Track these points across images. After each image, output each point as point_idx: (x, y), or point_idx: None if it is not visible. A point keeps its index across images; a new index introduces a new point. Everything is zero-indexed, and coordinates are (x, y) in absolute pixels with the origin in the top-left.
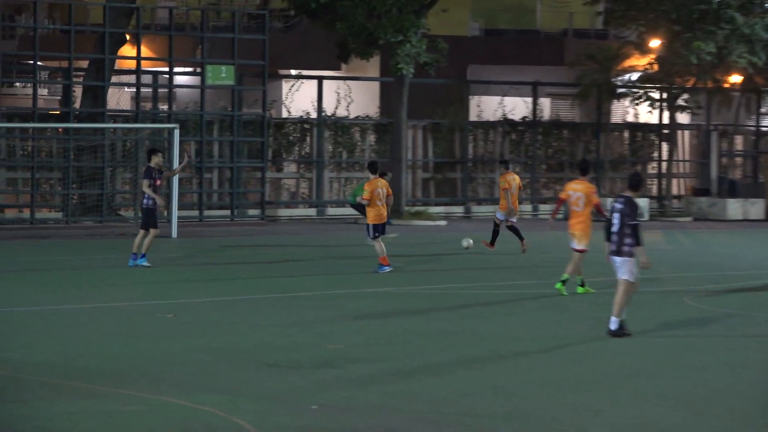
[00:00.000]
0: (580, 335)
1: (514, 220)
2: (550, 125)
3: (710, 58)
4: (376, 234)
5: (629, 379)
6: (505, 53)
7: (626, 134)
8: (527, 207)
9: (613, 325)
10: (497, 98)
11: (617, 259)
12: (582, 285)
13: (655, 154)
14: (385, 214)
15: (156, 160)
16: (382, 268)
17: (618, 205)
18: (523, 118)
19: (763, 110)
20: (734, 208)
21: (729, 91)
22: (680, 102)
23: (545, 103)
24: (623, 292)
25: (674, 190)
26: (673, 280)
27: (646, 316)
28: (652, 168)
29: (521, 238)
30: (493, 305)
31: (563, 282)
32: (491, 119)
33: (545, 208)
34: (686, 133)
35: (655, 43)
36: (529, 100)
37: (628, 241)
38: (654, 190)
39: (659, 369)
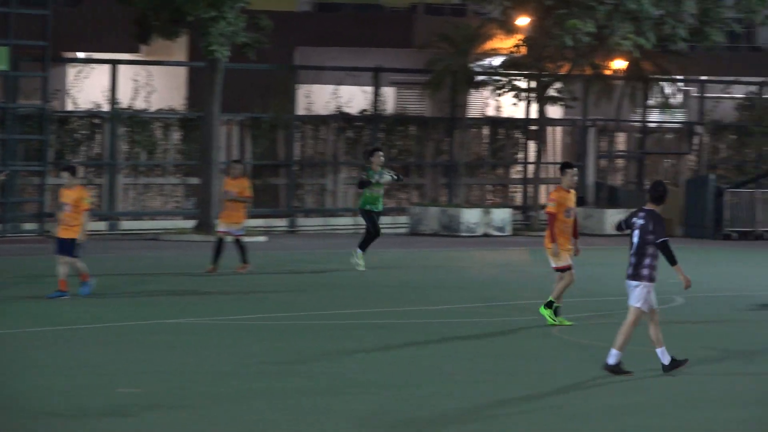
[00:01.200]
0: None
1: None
2: (394, 120)
3: (588, 40)
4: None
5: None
6: (341, 33)
7: (486, 131)
8: (346, 220)
9: (612, 359)
10: (331, 87)
11: (633, 283)
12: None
13: (521, 156)
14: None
15: None
16: (60, 294)
17: (638, 221)
18: (362, 111)
19: (650, 102)
20: (615, 219)
21: (610, 79)
22: (552, 92)
23: (389, 93)
24: (631, 322)
25: (542, 199)
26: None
27: (506, 350)
28: (516, 172)
29: (245, 259)
30: (331, 337)
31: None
32: (323, 113)
33: (386, 221)
34: (558, 129)
35: (522, 21)
36: (370, 89)
37: (647, 262)
38: (518, 199)
39: (513, 416)
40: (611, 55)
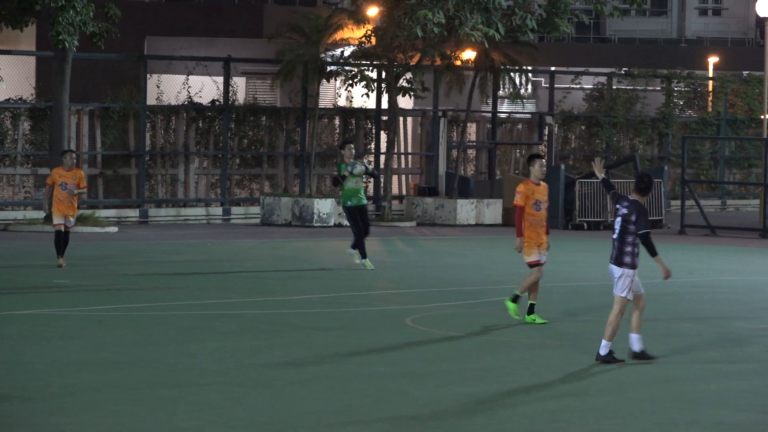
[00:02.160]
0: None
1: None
2: (245, 110)
3: (439, 30)
4: None
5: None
6: (192, 22)
7: (337, 121)
8: (218, 210)
9: (603, 349)
10: (181, 77)
11: (616, 269)
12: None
13: (372, 146)
14: None
15: None
16: None
17: (621, 209)
18: (213, 101)
19: (500, 93)
20: (466, 210)
21: (461, 69)
22: (402, 83)
23: (240, 83)
24: (618, 312)
25: (394, 190)
26: (394, 298)
27: (359, 341)
28: (367, 162)
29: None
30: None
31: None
32: (174, 103)
33: (238, 212)
34: (409, 120)
35: (372, 11)
36: (220, 79)
37: (628, 250)
38: (370, 189)
39: (368, 407)
40: (461, 45)
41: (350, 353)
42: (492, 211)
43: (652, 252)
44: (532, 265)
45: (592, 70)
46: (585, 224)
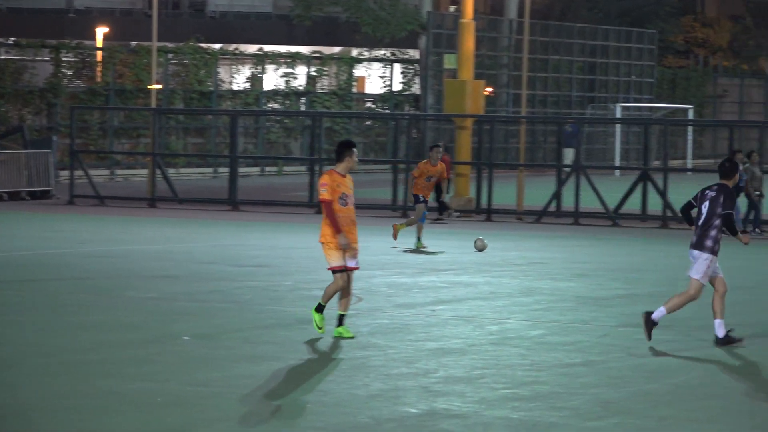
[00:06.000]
0: None
1: None
2: None
3: None
4: None
5: None
6: None
7: None
8: None
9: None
10: None
11: (695, 252)
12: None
13: None
14: None
15: None
16: None
17: (711, 193)
18: None
19: None
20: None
21: None
22: None
23: None
24: (691, 297)
25: None
26: None
27: None
28: None
29: None
30: None
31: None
32: None
33: None
34: None
35: None
36: None
37: (713, 234)
38: None
39: None
40: None
41: None
42: None
43: (733, 230)
44: (335, 271)
45: None
46: (4, 195)
